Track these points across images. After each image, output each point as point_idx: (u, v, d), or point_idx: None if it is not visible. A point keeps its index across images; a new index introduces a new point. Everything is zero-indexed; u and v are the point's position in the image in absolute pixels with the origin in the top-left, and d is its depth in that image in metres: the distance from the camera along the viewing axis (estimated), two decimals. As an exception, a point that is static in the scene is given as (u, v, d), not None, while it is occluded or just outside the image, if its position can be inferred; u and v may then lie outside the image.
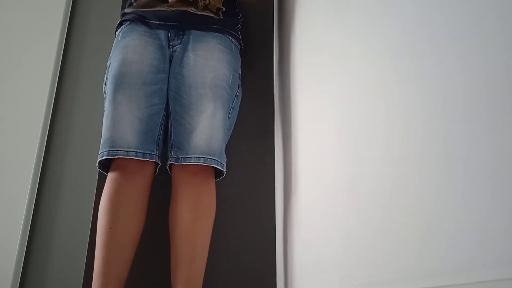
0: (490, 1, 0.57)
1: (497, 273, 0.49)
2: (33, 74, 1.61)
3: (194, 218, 1.18)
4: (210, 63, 1.27)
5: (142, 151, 1.19)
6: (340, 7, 1.06)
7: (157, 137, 1.24)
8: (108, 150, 1.16)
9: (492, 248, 0.51)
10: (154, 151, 1.22)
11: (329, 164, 1.05)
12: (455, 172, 0.60)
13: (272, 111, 1.56)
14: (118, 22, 1.37)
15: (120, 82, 1.22)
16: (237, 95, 1.33)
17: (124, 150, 1.16)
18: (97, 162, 1.20)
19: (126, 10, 1.37)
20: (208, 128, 1.20)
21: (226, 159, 1.25)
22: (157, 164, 1.25)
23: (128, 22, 1.33)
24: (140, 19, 1.32)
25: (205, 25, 1.33)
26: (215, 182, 1.27)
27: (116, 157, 1.17)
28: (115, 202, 1.16)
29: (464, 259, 0.56)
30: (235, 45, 1.38)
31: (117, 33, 1.36)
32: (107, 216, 1.14)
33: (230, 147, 1.45)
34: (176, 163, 1.21)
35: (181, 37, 1.32)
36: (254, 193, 1.48)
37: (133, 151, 1.17)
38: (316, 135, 1.15)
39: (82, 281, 1.32)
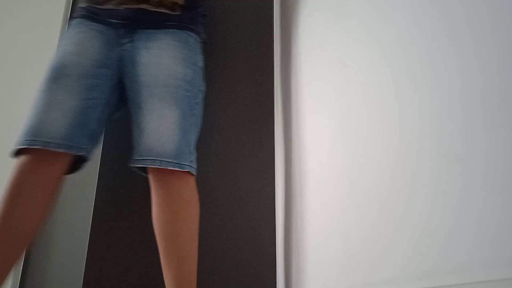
0: (487, 6, 0.57)
1: (497, 273, 0.49)
2: (33, 74, 1.61)
3: (178, 218, 1.16)
4: (163, 61, 1.24)
5: (68, 143, 1.14)
6: (339, 12, 1.07)
7: (91, 131, 1.20)
8: (30, 140, 1.11)
9: (492, 248, 0.52)
10: (82, 145, 1.17)
11: (329, 164, 1.05)
12: (454, 173, 0.61)
13: (272, 111, 1.57)
14: (71, 17, 1.33)
15: (58, 73, 1.19)
16: (200, 90, 1.29)
17: (45, 141, 1.11)
18: (15, 149, 1.14)
19: (81, 4, 1.34)
20: (160, 129, 1.17)
21: (192, 157, 1.21)
22: (83, 158, 1.20)
23: (79, 17, 1.30)
24: (91, 16, 1.29)
25: (159, 22, 1.30)
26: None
27: (35, 147, 1.11)
28: (16, 190, 1.10)
29: (464, 259, 0.56)
30: (193, 38, 1.32)
31: (67, 25, 1.33)
32: (4, 204, 1.09)
33: (230, 147, 1.45)
34: (133, 165, 1.19)
35: (133, 35, 1.28)
36: (254, 193, 1.48)
37: (55, 142, 1.12)
38: (316, 136, 1.15)
39: (82, 281, 1.32)
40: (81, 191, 1.46)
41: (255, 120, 1.56)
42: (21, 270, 1.40)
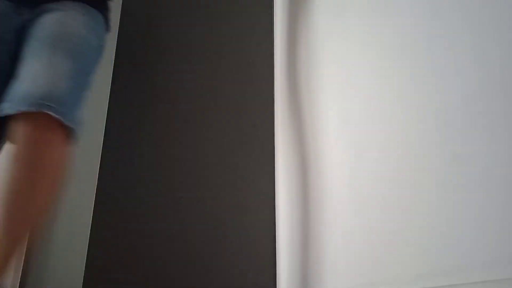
0: (485, 6, 0.58)
1: (497, 273, 0.49)
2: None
3: (25, 184, 0.90)
4: (66, 20, 1.08)
5: None
6: (340, 11, 1.07)
7: None
8: None
9: (492, 248, 0.52)
10: None
11: (329, 165, 1.05)
12: (454, 173, 0.61)
13: (272, 107, 1.57)
14: None
15: None
16: (96, 65, 1.14)
17: None
18: None
19: None
20: (47, 74, 0.96)
21: (77, 115, 0.99)
22: None
23: None
24: None
25: None
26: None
27: None
28: None
29: (464, 259, 0.56)
30: (101, 18, 1.20)
31: None
32: None
33: (229, 145, 1.45)
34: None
35: (35, 5, 1.13)
36: (253, 192, 1.48)
37: None
38: (317, 135, 1.15)
39: (82, 281, 1.33)
40: (81, 191, 1.46)
41: (254, 117, 1.57)
42: (21, 270, 1.41)
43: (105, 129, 1.38)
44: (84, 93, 1.05)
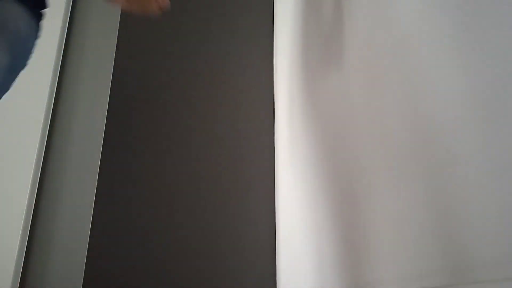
0: (488, 6, 0.58)
1: (497, 273, 0.49)
2: (33, 74, 1.61)
3: None
4: (5, 7, 0.98)
5: None
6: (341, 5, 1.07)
7: None
8: None
9: (492, 248, 0.52)
10: None
11: (329, 163, 1.05)
12: (455, 173, 0.61)
13: (272, 104, 1.57)
14: None
15: None
16: (27, 62, 1.07)
17: None
18: None
19: None
20: None
21: None
22: None
23: None
24: None
25: None
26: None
27: None
28: None
29: (464, 259, 0.56)
30: (34, 23, 1.08)
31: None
32: None
33: (229, 145, 1.45)
34: None
35: None
36: (253, 191, 1.48)
37: None
38: (317, 132, 1.15)
39: (82, 281, 1.33)
40: (81, 191, 1.46)
41: (254, 115, 1.57)
42: (21, 270, 1.41)
43: (105, 129, 1.38)
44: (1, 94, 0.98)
